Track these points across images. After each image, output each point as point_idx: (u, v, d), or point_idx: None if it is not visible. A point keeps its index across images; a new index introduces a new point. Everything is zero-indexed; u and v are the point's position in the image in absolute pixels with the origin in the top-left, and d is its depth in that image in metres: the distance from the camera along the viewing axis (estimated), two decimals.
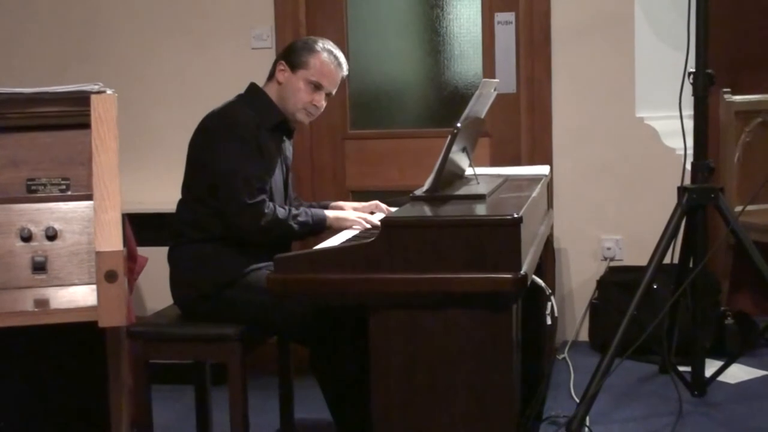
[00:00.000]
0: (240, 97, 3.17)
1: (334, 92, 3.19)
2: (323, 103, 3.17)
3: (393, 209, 3.23)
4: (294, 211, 3.04)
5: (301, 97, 3.11)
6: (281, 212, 3.00)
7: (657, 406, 3.43)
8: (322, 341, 2.93)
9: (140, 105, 4.38)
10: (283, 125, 3.17)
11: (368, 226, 3.12)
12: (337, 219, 3.13)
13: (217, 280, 2.98)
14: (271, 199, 3.04)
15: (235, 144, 2.98)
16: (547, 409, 3.35)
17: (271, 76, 3.17)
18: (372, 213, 3.30)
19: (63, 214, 2.20)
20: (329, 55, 3.13)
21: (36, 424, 2.41)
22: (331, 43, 3.21)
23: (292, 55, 3.14)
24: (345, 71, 3.20)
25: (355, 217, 3.15)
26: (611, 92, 4.22)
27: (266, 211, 2.96)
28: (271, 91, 3.15)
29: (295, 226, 3.01)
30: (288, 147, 3.25)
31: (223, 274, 2.99)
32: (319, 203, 3.42)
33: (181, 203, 3.13)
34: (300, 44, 3.18)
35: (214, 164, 2.99)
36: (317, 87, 3.12)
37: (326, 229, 3.10)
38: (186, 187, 3.11)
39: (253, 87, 3.18)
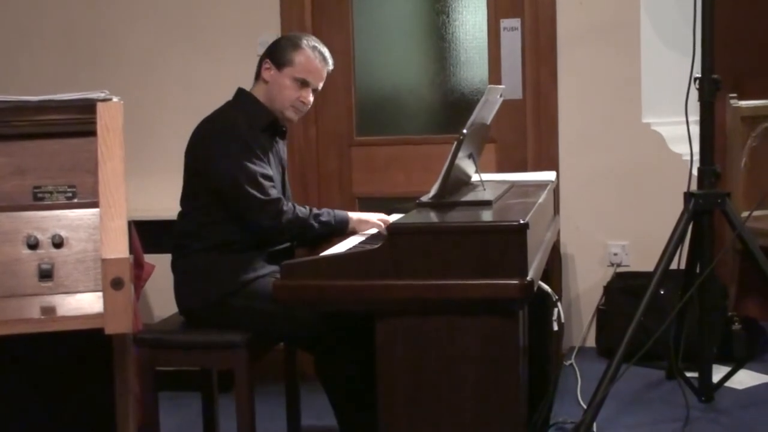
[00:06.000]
0: (229, 103, 3.16)
1: (320, 87, 3.17)
2: (310, 99, 3.15)
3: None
4: (315, 211, 3.05)
5: (288, 95, 3.10)
6: (302, 211, 3.00)
7: (664, 412, 3.42)
8: (328, 347, 2.93)
9: (147, 112, 4.39)
10: (274, 125, 3.15)
11: None
12: (360, 221, 3.12)
13: (221, 290, 2.98)
14: None
15: (233, 145, 2.97)
16: (554, 415, 3.35)
17: (258, 75, 3.17)
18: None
19: (69, 222, 2.20)
20: (314, 51, 3.11)
21: (42, 431, 2.41)
22: (316, 38, 3.20)
23: (276, 53, 3.13)
24: (330, 66, 3.18)
25: (376, 220, 3.14)
26: (617, 98, 4.22)
27: (285, 209, 2.96)
28: (259, 92, 3.14)
29: (316, 225, 3.01)
30: (282, 148, 3.24)
31: (227, 283, 2.98)
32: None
33: (182, 215, 3.11)
34: (284, 42, 3.17)
35: (215, 169, 2.99)
36: (304, 84, 3.11)
37: (348, 230, 3.09)
38: (187, 197, 3.10)
39: (240, 92, 3.18)
